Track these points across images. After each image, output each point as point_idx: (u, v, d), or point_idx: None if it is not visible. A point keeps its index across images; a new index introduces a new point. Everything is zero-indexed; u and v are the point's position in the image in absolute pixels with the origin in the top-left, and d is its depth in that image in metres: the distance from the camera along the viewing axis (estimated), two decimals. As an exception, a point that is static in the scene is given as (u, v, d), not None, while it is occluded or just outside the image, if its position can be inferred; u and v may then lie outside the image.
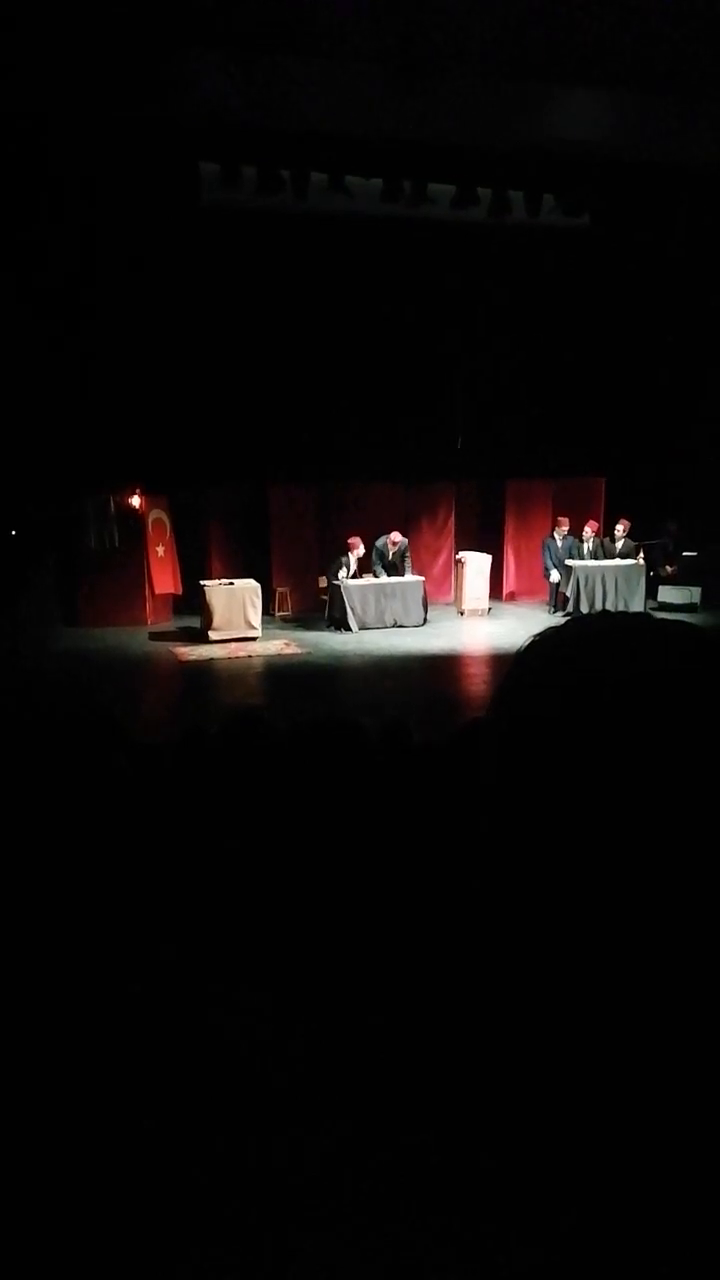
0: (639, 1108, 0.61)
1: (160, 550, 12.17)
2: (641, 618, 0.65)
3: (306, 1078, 0.68)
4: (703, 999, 0.61)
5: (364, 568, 12.08)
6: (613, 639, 0.63)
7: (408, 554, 12.34)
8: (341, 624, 11.74)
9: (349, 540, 12.00)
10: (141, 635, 11.53)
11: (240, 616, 11.33)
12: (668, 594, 12.90)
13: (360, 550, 11.96)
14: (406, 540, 12.37)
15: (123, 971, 0.83)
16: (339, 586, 11.78)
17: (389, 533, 12.23)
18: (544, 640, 0.65)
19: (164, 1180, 0.65)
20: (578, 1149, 0.60)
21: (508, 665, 0.66)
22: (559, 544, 12.57)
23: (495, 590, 13.25)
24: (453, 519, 13.81)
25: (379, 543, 12.09)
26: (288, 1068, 0.70)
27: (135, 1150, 0.67)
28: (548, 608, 12.68)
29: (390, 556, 12.11)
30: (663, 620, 0.65)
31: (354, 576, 11.94)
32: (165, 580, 12.24)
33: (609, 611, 0.67)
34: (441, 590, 13.35)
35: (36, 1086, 0.73)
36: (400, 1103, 0.65)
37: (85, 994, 0.81)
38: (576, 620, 0.66)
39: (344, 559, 11.93)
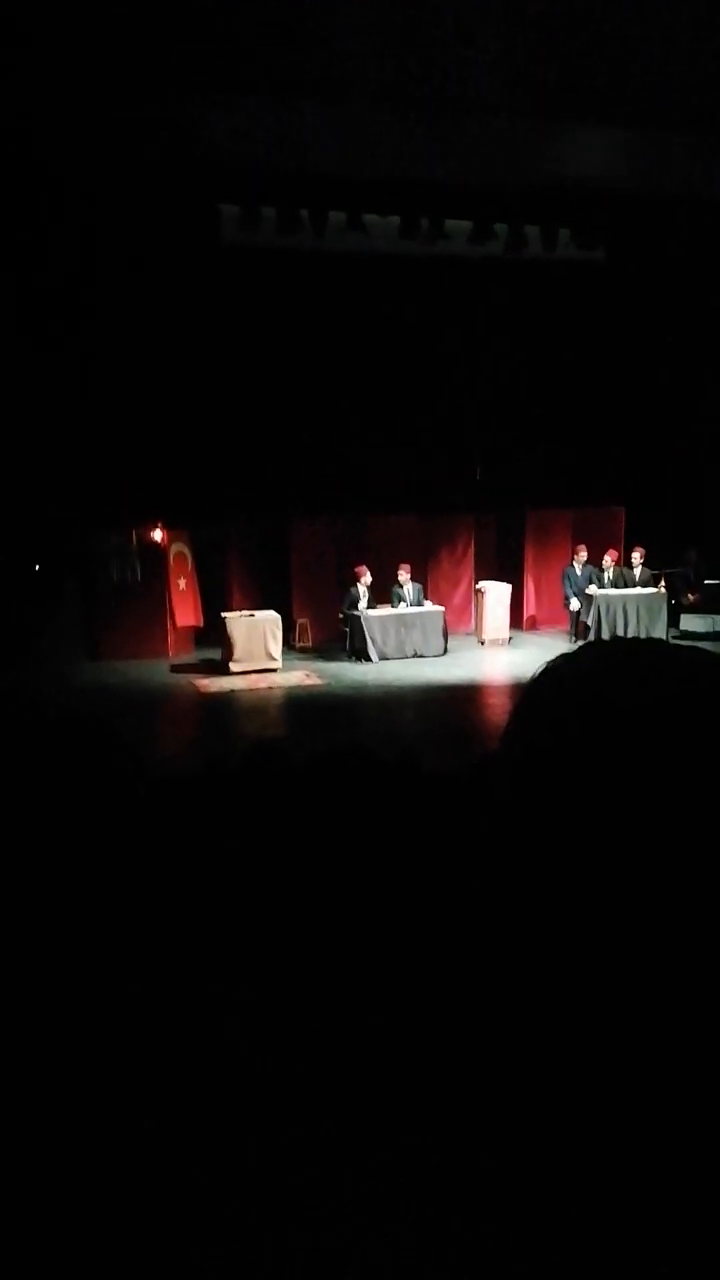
0: (639, 1109, 0.61)
1: (182, 583, 12.27)
2: (657, 644, 0.66)
3: (307, 1078, 0.68)
4: (702, 1008, 0.61)
5: (379, 597, 12.10)
6: (628, 666, 0.63)
7: (421, 588, 12.43)
8: (362, 655, 11.75)
9: (356, 569, 12.05)
10: (163, 667, 11.60)
11: (261, 648, 11.37)
12: (690, 622, 12.83)
13: (368, 578, 11.98)
14: (419, 585, 12.44)
15: (124, 972, 0.84)
16: (359, 617, 11.81)
17: (398, 571, 12.24)
18: (558, 667, 0.65)
19: (164, 1180, 0.65)
20: (578, 1149, 0.60)
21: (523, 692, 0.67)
22: (579, 573, 12.56)
23: (516, 619, 13.24)
24: (472, 549, 13.84)
25: (394, 589, 12.15)
26: (288, 1068, 0.70)
27: (135, 1150, 0.68)
28: (569, 637, 12.64)
29: (409, 595, 12.13)
30: (679, 646, 0.66)
31: (371, 607, 11.97)
32: (187, 613, 12.33)
33: (623, 638, 0.68)
34: (462, 620, 13.35)
35: (38, 1088, 0.74)
36: (400, 1103, 0.65)
37: (87, 995, 0.82)
38: (591, 646, 0.67)
39: (354, 590, 11.98)
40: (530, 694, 0.65)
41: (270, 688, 10.76)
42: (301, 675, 11.21)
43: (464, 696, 10.32)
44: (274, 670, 11.27)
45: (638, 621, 12.36)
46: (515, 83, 8.79)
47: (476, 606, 13.17)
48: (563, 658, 0.66)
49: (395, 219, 11.54)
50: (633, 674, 0.62)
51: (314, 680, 11.01)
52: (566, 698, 0.63)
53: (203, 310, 11.34)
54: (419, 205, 11.37)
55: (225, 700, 10.30)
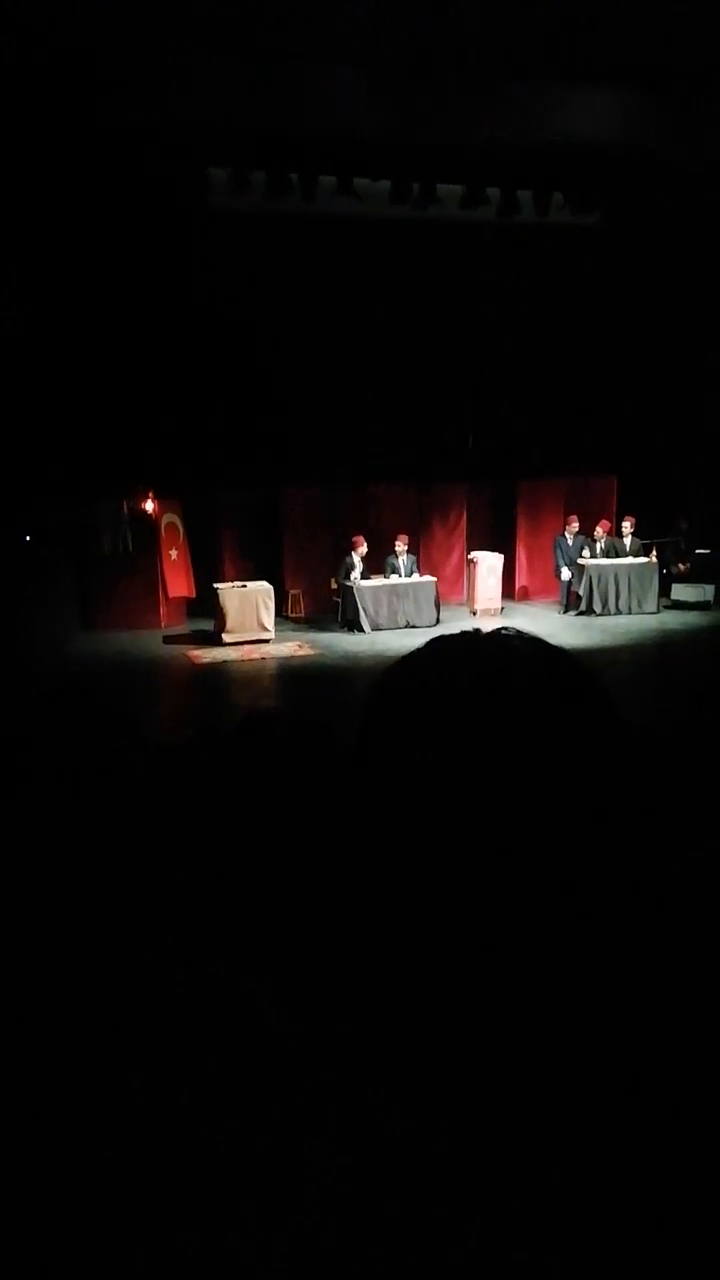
0: (637, 1103, 0.63)
1: (173, 554, 12.22)
2: (487, 639, 0.69)
3: (308, 1072, 0.69)
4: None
5: (372, 567, 12.09)
6: (461, 665, 0.67)
7: (415, 559, 12.42)
8: (354, 625, 11.75)
9: (354, 539, 12.03)
10: (156, 638, 11.58)
11: (253, 619, 11.35)
12: (680, 592, 12.86)
13: (364, 549, 11.97)
14: (414, 556, 12.42)
15: (127, 960, 0.85)
16: (351, 588, 11.80)
17: (395, 541, 12.24)
18: (395, 669, 0.70)
19: (165, 1175, 0.66)
20: (578, 1145, 0.62)
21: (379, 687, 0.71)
22: (570, 543, 12.56)
23: (508, 589, 13.24)
24: (464, 519, 13.81)
25: (389, 559, 12.14)
26: (290, 1062, 0.71)
27: (136, 1145, 0.69)
28: (560, 606, 12.67)
29: (403, 566, 12.12)
30: (509, 638, 0.69)
31: (365, 577, 11.96)
32: (179, 583, 12.29)
33: (452, 635, 0.72)
34: (454, 590, 13.35)
35: (39, 1082, 0.74)
36: (401, 1101, 0.66)
37: (89, 986, 0.82)
38: (425, 647, 0.70)
39: (348, 559, 11.96)
40: (375, 689, 0.71)
41: (263, 658, 10.76)
42: (294, 646, 11.22)
43: (456, 666, 10.32)
44: (267, 641, 11.27)
45: (629, 591, 12.39)
46: (507, 42, 8.64)
47: (469, 577, 13.17)
48: (404, 661, 0.73)
49: (386, 183, 11.37)
50: (465, 675, 0.66)
51: (307, 651, 11.02)
52: (401, 691, 0.69)
53: (191, 275, 11.19)
54: (410, 169, 11.20)
55: (218, 671, 10.30)
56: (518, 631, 0.70)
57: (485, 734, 0.62)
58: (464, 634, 0.71)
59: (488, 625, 0.74)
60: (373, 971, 0.68)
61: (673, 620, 12.20)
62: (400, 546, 12.14)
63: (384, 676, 0.71)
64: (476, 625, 0.74)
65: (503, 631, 0.70)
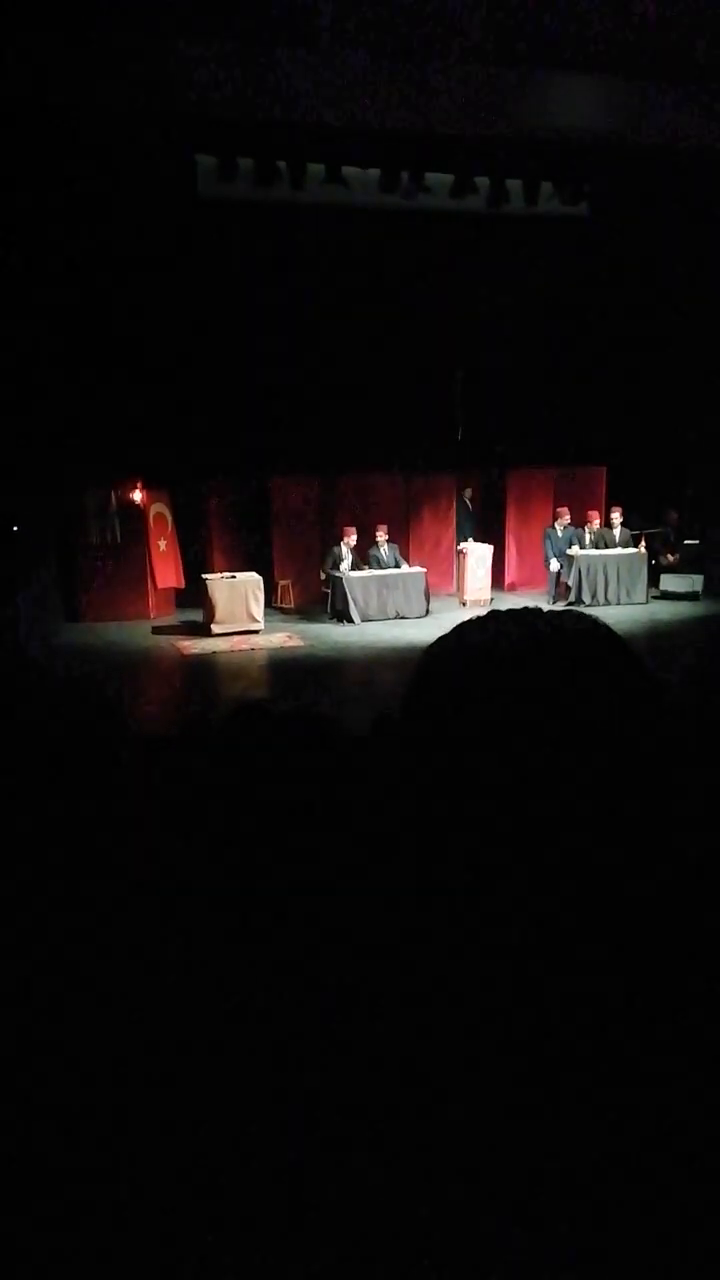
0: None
1: (162, 544, 12.17)
2: (542, 617, 0.68)
3: (306, 1070, 0.69)
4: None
5: (362, 557, 12.08)
6: (513, 641, 0.66)
7: (398, 549, 12.43)
8: (344, 616, 11.74)
9: (344, 529, 12.02)
10: (144, 629, 11.55)
11: (243, 609, 11.34)
12: (670, 582, 12.90)
13: (353, 538, 11.96)
14: (396, 545, 12.42)
15: (121, 955, 0.84)
16: (341, 579, 11.79)
17: (376, 531, 12.25)
18: (447, 644, 0.69)
19: (166, 1175, 0.65)
20: (575, 1144, 0.61)
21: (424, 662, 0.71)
22: (560, 534, 12.58)
23: (497, 580, 13.26)
24: (454, 509, 13.81)
25: (371, 550, 12.14)
26: (287, 1060, 0.70)
27: (137, 1146, 0.68)
28: (549, 597, 12.69)
29: (385, 556, 12.12)
30: (549, 614, 0.68)
31: (354, 568, 11.94)
32: (167, 574, 12.26)
33: (498, 612, 0.71)
34: (443, 581, 13.35)
35: (35, 1084, 0.73)
36: (400, 1101, 0.65)
37: (84, 983, 0.81)
38: (469, 622, 0.70)
39: (337, 550, 11.95)
40: (424, 662, 0.70)
41: (252, 649, 10.75)
42: (283, 637, 11.21)
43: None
44: (256, 632, 11.26)
45: (618, 582, 12.42)
46: (497, 30, 8.60)
47: (458, 567, 13.17)
48: (452, 634, 0.71)
49: (375, 172, 11.33)
50: (519, 649, 0.66)
51: (296, 642, 11.01)
52: (451, 665, 0.68)
53: (179, 263, 11.12)
54: (399, 158, 11.15)
55: (207, 662, 10.29)
56: (593, 619, 0.70)
57: (528, 703, 0.62)
58: (526, 610, 0.71)
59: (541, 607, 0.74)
60: (370, 959, 0.67)
61: (662, 611, 12.24)
62: (381, 536, 12.15)
63: (437, 642, 0.71)
64: (537, 605, 0.74)
65: (572, 613, 0.70)
